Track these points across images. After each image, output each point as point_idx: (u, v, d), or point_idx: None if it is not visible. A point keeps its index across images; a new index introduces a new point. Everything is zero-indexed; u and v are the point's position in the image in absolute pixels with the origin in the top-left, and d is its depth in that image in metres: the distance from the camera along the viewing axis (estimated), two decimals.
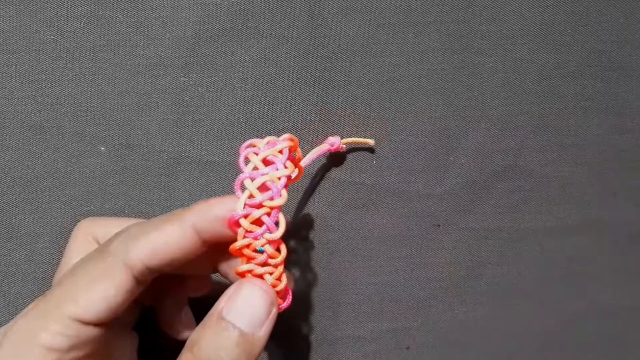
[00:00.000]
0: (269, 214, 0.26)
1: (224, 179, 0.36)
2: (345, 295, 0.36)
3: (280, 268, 0.26)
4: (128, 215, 0.35)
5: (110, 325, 0.25)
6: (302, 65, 0.36)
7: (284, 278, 0.27)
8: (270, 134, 0.29)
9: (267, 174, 0.26)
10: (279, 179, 0.26)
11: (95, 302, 0.24)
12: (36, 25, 0.35)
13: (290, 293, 0.28)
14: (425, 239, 0.37)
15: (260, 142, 0.27)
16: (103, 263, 0.25)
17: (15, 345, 0.23)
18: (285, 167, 0.26)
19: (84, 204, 0.35)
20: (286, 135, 0.28)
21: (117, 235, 0.26)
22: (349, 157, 0.37)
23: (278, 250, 0.26)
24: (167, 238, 0.25)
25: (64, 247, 0.31)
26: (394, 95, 0.37)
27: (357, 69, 0.37)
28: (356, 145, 0.36)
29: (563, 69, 0.38)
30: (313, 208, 0.36)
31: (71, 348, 0.24)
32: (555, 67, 0.38)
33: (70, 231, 0.31)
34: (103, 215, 0.35)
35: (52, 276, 0.34)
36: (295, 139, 0.28)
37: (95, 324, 0.24)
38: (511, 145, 0.38)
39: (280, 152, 0.27)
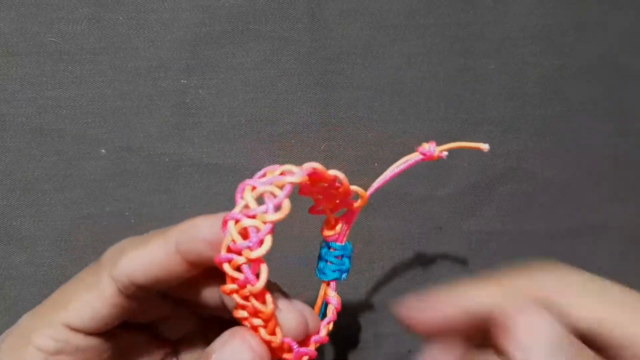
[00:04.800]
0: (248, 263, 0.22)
1: (224, 182, 0.36)
2: (347, 299, 0.36)
3: (272, 322, 0.23)
4: (128, 218, 0.35)
5: (108, 338, 0.25)
6: (303, 68, 0.36)
7: (279, 332, 0.23)
8: (270, 137, 0.28)
9: (254, 216, 0.22)
10: (265, 223, 0.22)
11: (82, 310, 0.24)
12: (37, 27, 0.34)
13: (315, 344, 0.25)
14: (427, 242, 0.37)
15: (275, 171, 0.23)
16: (94, 274, 0.25)
17: (11, 343, 0.24)
18: (276, 210, 0.22)
19: (84, 207, 0.35)
20: (308, 166, 0.23)
21: (111, 247, 0.26)
22: (351, 159, 0.37)
23: (264, 302, 0.23)
24: (150, 255, 0.24)
25: (64, 250, 0.30)
26: (396, 98, 0.37)
27: (358, 71, 0.36)
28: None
29: (565, 72, 0.38)
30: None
31: (58, 352, 0.24)
32: (557, 70, 0.38)
33: (70, 234, 0.31)
34: (102, 218, 0.35)
35: (53, 279, 0.34)
36: (320, 169, 0.23)
37: (86, 333, 0.24)
38: (513, 148, 0.37)
39: (281, 187, 0.22)
